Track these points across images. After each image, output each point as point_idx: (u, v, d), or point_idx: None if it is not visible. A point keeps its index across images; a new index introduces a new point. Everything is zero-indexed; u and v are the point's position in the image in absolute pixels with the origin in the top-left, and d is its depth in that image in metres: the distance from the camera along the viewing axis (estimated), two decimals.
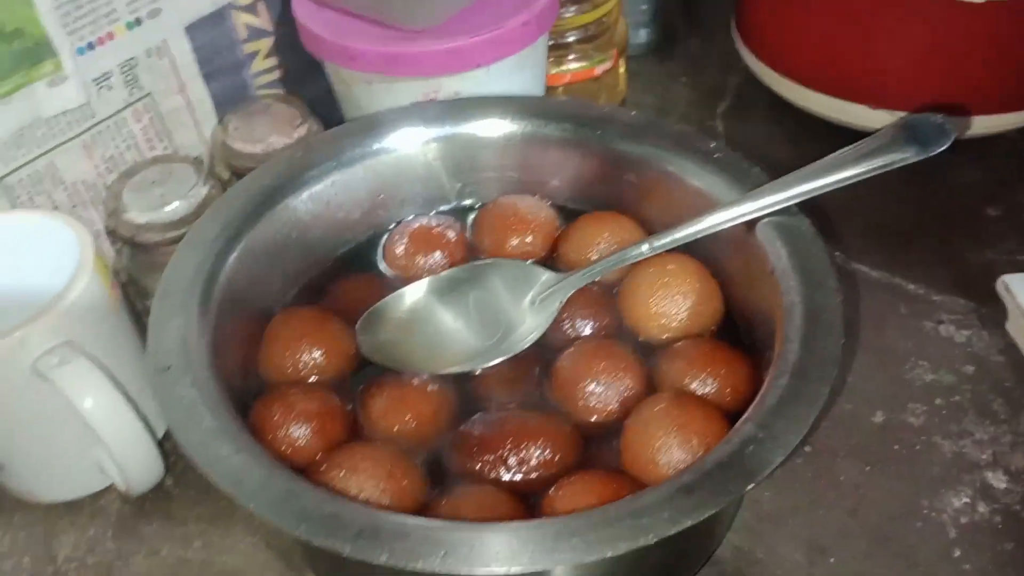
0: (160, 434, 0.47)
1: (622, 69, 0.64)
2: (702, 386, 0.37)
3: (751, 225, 0.38)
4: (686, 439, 0.35)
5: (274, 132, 0.51)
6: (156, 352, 0.33)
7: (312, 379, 0.39)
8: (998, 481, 0.43)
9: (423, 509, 0.35)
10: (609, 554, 0.28)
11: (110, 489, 0.45)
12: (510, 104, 0.44)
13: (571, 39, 0.60)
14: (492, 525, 0.29)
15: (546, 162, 0.45)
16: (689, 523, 0.28)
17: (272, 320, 0.40)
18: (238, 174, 0.51)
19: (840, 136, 0.39)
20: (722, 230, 0.38)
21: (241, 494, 0.29)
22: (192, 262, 0.36)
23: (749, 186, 0.39)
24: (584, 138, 0.43)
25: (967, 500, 0.43)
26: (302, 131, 0.51)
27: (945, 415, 0.46)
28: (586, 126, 0.43)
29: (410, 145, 0.44)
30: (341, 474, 0.35)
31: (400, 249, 0.44)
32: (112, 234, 0.51)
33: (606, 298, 0.42)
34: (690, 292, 0.40)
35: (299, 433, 0.36)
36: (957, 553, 0.41)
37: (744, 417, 0.31)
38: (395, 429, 0.38)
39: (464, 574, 0.28)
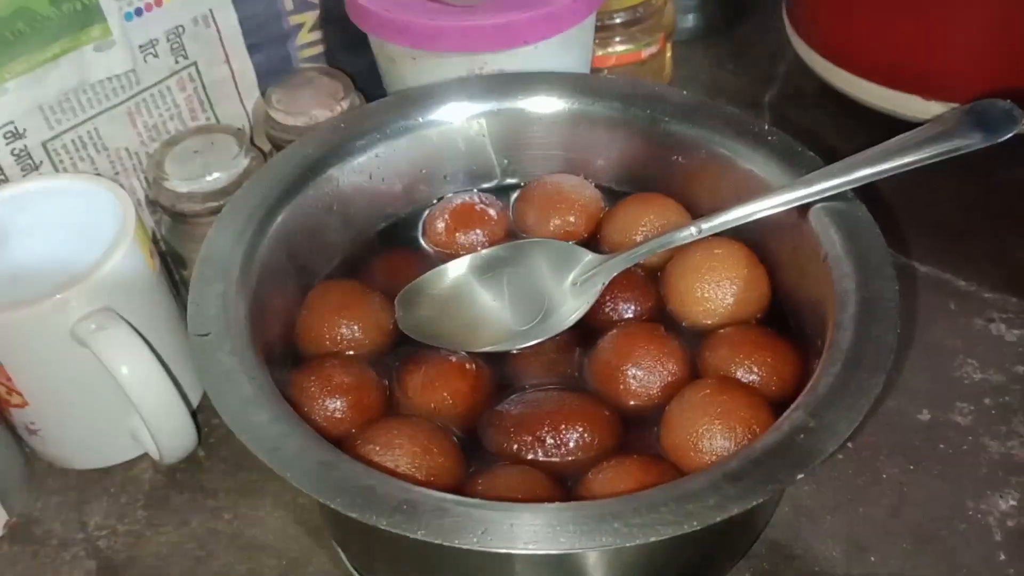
0: (195, 404, 0.47)
1: (668, 54, 0.63)
2: (747, 374, 0.37)
3: (803, 210, 0.37)
4: (729, 427, 0.34)
5: (317, 105, 0.50)
6: (196, 317, 0.32)
7: (349, 352, 0.39)
8: None
9: (458, 487, 0.34)
10: (652, 539, 0.27)
11: (143, 458, 0.45)
12: (559, 80, 0.43)
13: (618, 20, 0.59)
14: (531, 505, 0.28)
15: (593, 141, 0.44)
16: (736, 511, 0.28)
17: (311, 291, 0.40)
18: (279, 146, 0.51)
19: (890, 127, 0.38)
20: (773, 215, 0.37)
21: (277, 462, 0.28)
22: (234, 229, 0.36)
23: (803, 170, 0.37)
24: (633, 117, 0.42)
25: (1014, 503, 0.41)
26: (344, 105, 0.50)
27: (994, 415, 0.45)
28: (635, 105, 0.42)
29: (456, 119, 0.43)
30: (377, 449, 0.34)
31: (441, 225, 0.43)
32: (153, 203, 0.51)
33: (649, 281, 0.41)
34: (737, 278, 0.39)
35: (335, 406, 0.36)
36: (1002, 557, 0.40)
37: (794, 405, 0.30)
38: (431, 406, 0.37)
39: (503, 552, 0.27)
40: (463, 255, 0.42)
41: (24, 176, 0.46)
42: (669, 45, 0.62)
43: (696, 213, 0.41)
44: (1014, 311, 0.49)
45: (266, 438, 0.29)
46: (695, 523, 0.28)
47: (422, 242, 0.43)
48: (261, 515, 0.43)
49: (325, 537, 0.42)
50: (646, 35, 0.60)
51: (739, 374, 0.37)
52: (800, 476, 0.28)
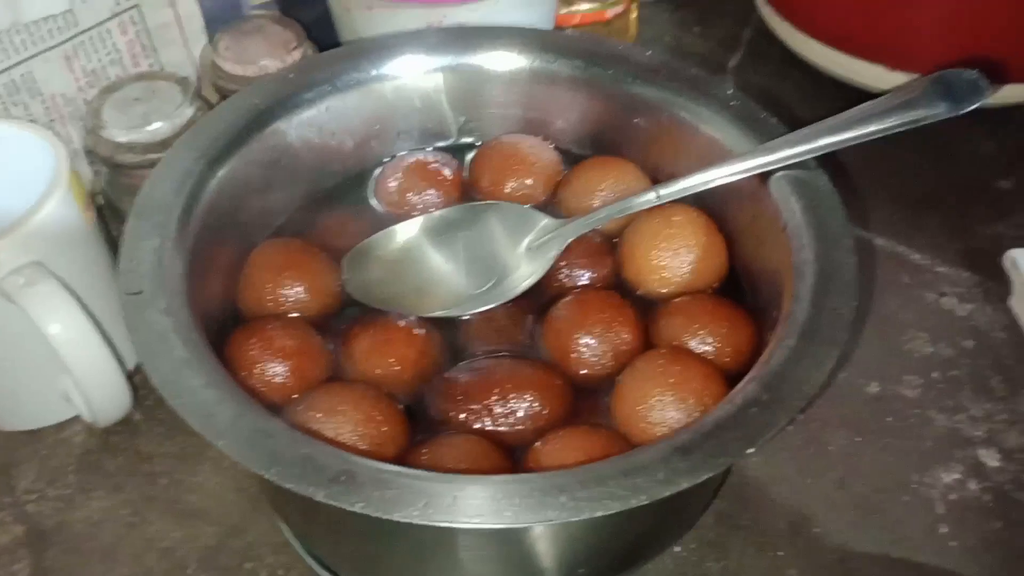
0: (131, 366, 0.45)
1: (634, 14, 0.61)
2: (701, 344, 0.36)
3: (764, 178, 0.36)
4: (681, 398, 0.33)
5: (267, 55, 0.48)
6: (127, 274, 0.30)
7: (293, 315, 0.37)
8: (991, 459, 0.42)
9: (403, 457, 0.33)
10: (599, 514, 0.26)
11: (75, 420, 0.44)
12: (520, 36, 0.42)
13: None
14: (476, 477, 0.28)
15: (553, 101, 0.42)
16: (685, 485, 0.27)
17: (254, 250, 0.38)
18: (226, 96, 0.49)
19: (854, 97, 0.37)
20: (733, 182, 0.36)
21: (209, 430, 0.27)
22: (172, 181, 0.34)
23: (765, 137, 0.36)
24: (595, 77, 0.40)
25: (958, 476, 0.42)
26: (296, 55, 0.48)
27: (941, 389, 0.45)
28: (598, 64, 0.40)
29: (412, 73, 0.41)
30: (318, 416, 0.33)
31: (393, 184, 0.41)
32: (90, 153, 0.49)
33: (606, 248, 0.40)
34: (695, 246, 0.38)
35: (276, 371, 0.34)
36: (944, 529, 0.40)
37: (747, 377, 0.29)
38: (377, 372, 0.36)
39: (444, 525, 0.26)
40: (415, 216, 0.40)
41: None
42: (635, 5, 0.61)
43: (657, 179, 0.40)
44: (966, 285, 0.49)
45: (199, 403, 0.28)
46: (643, 497, 0.27)
47: (372, 201, 0.42)
48: (199, 480, 0.42)
49: (265, 506, 0.40)
50: None
51: (693, 344, 0.36)
52: (751, 451, 0.28)
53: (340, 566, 0.37)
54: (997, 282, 0.48)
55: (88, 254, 0.42)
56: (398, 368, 0.36)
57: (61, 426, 0.43)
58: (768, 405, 0.28)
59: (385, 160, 0.43)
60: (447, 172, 0.42)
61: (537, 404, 0.34)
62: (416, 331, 0.36)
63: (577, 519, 0.26)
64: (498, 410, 0.34)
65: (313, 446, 0.27)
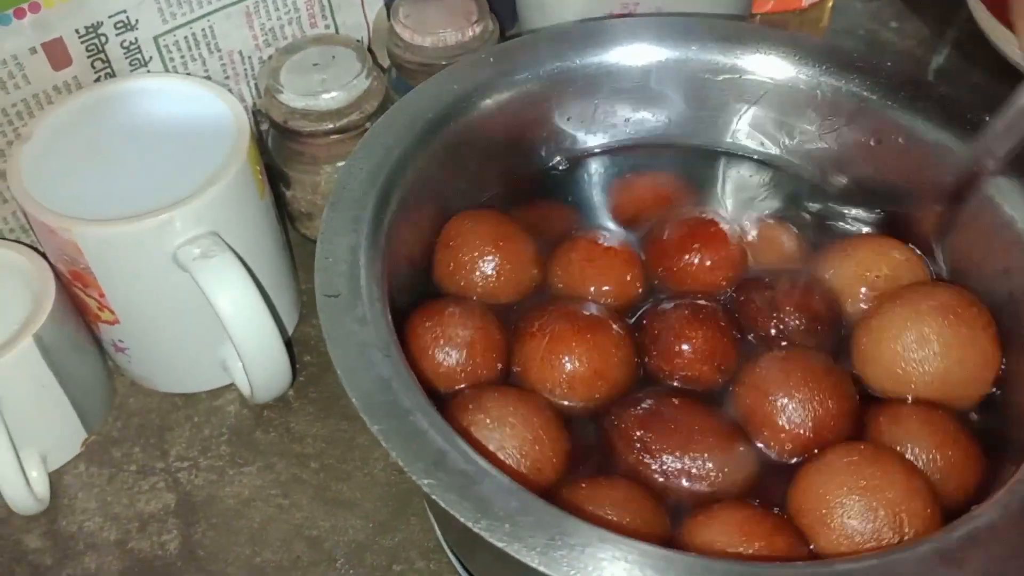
0: (289, 333, 0.44)
1: (830, 3, 0.57)
2: (919, 460, 0.30)
3: None
4: (870, 507, 0.28)
5: (448, 25, 0.45)
6: (324, 272, 0.28)
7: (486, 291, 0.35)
8: None
9: (558, 485, 0.31)
10: None
11: (229, 388, 0.43)
12: (773, 39, 0.36)
13: None
14: (618, 539, 0.24)
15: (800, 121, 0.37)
16: None
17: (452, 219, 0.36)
18: (399, 64, 0.47)
19: None
20: None
21: (415, 466, 0.25)
22: (367, 171, 0.31)
23: None
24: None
25: None
26: (478, 29, 0.46)
27: None
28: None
29: (626, 66, 0.37)
30: (487, 421, 0.31)
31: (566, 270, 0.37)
32: (260, 113, 0.47)
33: (831, 304, 0.35)
34: (957, 346, 0.32)
35: (451, 360, 0.33)
36: None
37: (975, 510, 0.25)
38: (548, 387, 0.33)
39: None
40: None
41: (132, 72, 0.42)
42: None
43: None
44: None
45: (403, 431, 0.25)
46: None
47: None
48: (349, 469, 0.40)
49: (416, 504, 0.39)
50: None
51: (908, 453, 0.31)
52: None
53: None
54: None
55: (260, 222, 0.40)
56: (584, 371, 0.33)
57: (215, 393, 0.43)
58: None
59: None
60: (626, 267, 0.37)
61: (714, 468, 0.31)
62: (614, 328, 0.33)
63: None
64: (671, 465, 0.31)
65: (523, 498, 0.24)
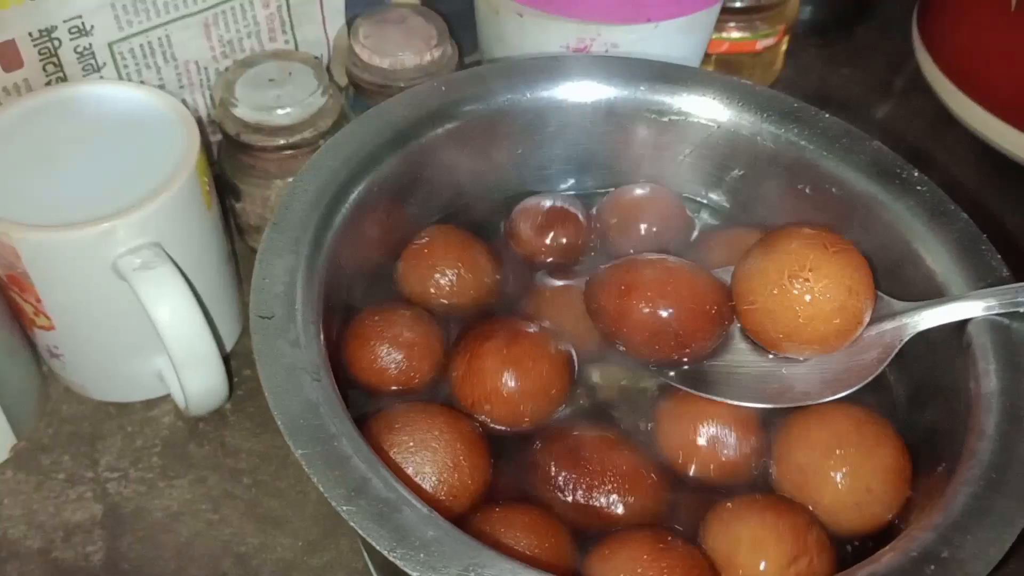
0: (228, 349, 0.44)
1: (784, 47, 0.58)
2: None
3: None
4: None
5: (407, 48, 0.46)
6: (260, 292, 0.28)
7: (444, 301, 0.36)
8: None
9: (473, 508, 0.31)
10: None
11: (164, 399, 0.42)
12: (706, 82, 0.37)
13: (738, 4, 0.54)
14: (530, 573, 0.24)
15: (724, 160, 0.38)
16: None
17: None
18: (357, 84, 0.47)
19: (1019, 175, 0.33)
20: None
21: (335, 492, 0.25)
22: (312, 193, 0.31)
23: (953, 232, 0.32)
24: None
25: None
26: (436, 53, 0.46)
27: None
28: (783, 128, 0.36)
29: (573, 102, 0.37)
30: (410, 445, 0.30)
31: (524, 226, 0.38)
32: (214, 124, 0.47)
33: None
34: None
35: (389, 358, 0.33)
36: None
37: (922, 524, 0.26)
38: (470, 404, 0.33)
39: None
40: (542, 259, 0.38)
41: (84, 77, 0.42)
42: (786, 39, 0.57)
43: None
44: None
45: (328, 455, 0.25)
46: None
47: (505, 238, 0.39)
48: (282, 486, 0.40)
49: (346, 524, 0.39)
50: (766, 25, 0.55)
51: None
52: None
53: None
54: None
55: (204, 234, 0.40)
56: (519, 391, 0.33)
57: (150, 403, 0.42)
58: (948, 565, 0.24)
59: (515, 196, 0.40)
60: (580, 217, 0.39)
61: (621, 501, 0.31)
62: (547, 349, 0.33)
63: None
64: (581, 493, 0.31)
65: (439, 528, 0.24)
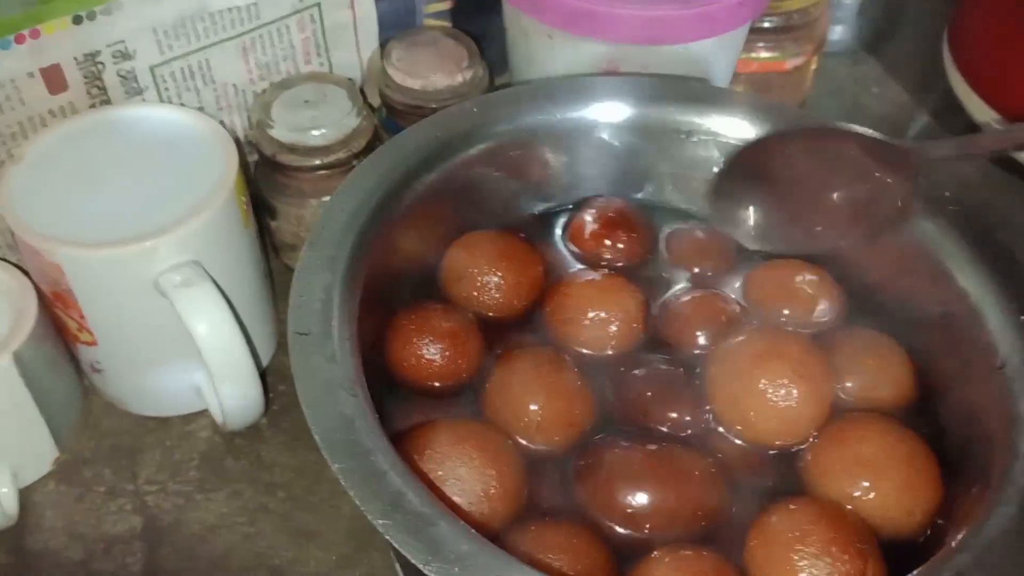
0: (264, 363, 0.45)
1: (813, 67, 0.58)
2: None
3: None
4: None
5: (438, 70, 0.47)
6: (297, 310, 0.29)
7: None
8: None
9: (506, 528, 0.31)
10: None
11: (202, 413, 0.43)
12: (728, 102, 0.38)
13: (767, 25, 0.54)
14: None
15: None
16: None
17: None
18: (390, 105, 0.48)
19: None
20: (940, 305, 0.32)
21: (372, 507, 0.25)
22: (347, 212, 0.32)
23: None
24: None
25: None
26: (467, 75, 0.47)
27: None
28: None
29: (601, 124, 0.38)
30: (439, 473, 0.30)
31: (590, 227, 0.39)
32: (251, 144, 0.48)
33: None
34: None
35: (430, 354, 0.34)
36: None
37: (955, 545, 0.26)
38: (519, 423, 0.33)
39: None
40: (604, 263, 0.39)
41: (127, 100, 0.43)
42: (815, 58, 0.57)
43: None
44: None
45: (363, 471, 0.26)
46: None
47: (561, 242, 0.39)
48: (316, 500, 0.41)
49: (380, 539, 0.39)
50: (795, 45, 0.55)
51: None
52: None
53: None
54: None
55: (242, 255, 0.41)
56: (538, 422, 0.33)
57: (188, 418, 0.43)
58: None
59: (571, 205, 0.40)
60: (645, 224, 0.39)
61: (667, 515, 0.31)
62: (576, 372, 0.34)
63: None
64: (627, 509, 0.31)
65: (474, 542, 0.25)
